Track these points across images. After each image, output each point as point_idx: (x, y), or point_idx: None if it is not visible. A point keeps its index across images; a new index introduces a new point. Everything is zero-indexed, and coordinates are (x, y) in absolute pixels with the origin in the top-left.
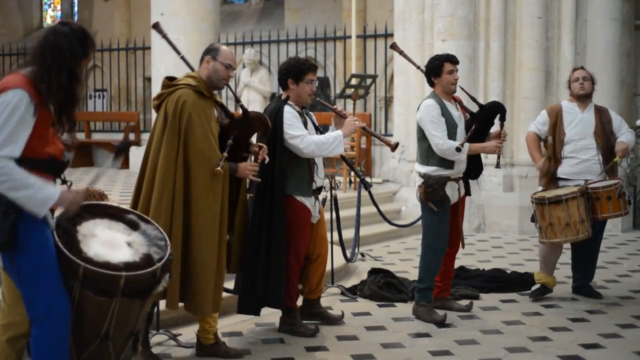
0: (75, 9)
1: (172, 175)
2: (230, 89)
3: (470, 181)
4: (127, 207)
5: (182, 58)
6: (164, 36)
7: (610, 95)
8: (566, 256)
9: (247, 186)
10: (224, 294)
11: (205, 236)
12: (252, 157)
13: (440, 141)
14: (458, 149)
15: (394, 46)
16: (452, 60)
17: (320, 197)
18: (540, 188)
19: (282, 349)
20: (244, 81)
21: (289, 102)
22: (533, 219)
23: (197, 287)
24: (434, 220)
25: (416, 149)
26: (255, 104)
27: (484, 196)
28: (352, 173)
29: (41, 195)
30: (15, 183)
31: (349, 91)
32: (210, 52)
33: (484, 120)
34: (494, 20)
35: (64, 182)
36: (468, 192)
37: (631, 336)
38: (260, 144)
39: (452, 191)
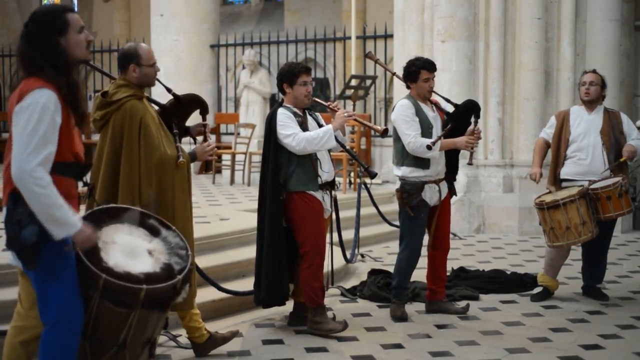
0: (75, 10)
1: (137, 188)
2: (160, 81)
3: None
4: None
5: (90, 65)
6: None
7: (609, 96)
8: (569, 258)
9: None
10: (225, 295)
11: (187, 234)
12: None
13: (411, 139)
14: (429, 147)
15: (369, 55)
16: (429, 68)
17: (333, 193)
18: (547, 190)
19: (282, 349)
20: (243, 82)
21: (284, 104)
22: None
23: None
24: (410, 225)
25: (393, 151)
26: (255, 104)
27: (484, 197)
28: (352, 174)
29: (65, 220)
30: (49, 200)
31: (349, 92)
32: (132, 59)
33: (459, 119)
34: (494, 21)
35: (85, 184)
36: (453, 193)
37: (631, 337)
38: (202, 122)
39: (432, 194)
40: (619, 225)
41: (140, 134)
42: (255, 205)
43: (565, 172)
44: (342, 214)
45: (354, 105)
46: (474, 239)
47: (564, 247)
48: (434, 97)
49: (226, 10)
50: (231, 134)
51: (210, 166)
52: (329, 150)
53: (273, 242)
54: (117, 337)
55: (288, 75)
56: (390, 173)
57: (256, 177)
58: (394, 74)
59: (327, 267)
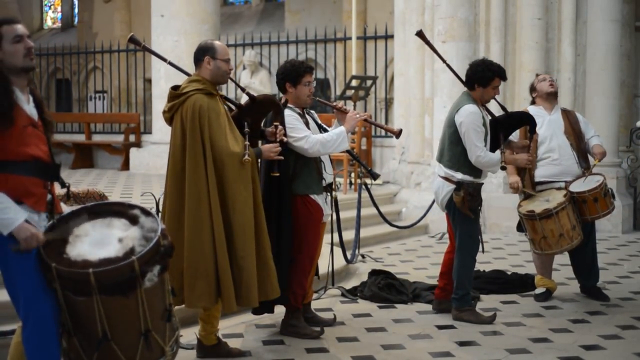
0: (76, 10)
1: (204, 181)
2: (233, 80)
3: None
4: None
5: (170, 63)
6: (144, 47)
7: (610, 96)
8: (566, 257)
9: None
10: None
11: (247, 229)
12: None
13: (481, 153)
14: (503, 168)
15: (420, 34)
16: (503, 77)
17: (334, 194)
18: (522, 196)
19: (282, 350)
20: (244, 82)
21: (288, 105)
22: (520, 229)
23: (244, 279)
24: (471, 226)
25: (445, 152)
26: None
27: (484, 198)
28: (353, 174)
29: (2, 216)
30: None
31: (349, 93)
32: (208, 51)
33: (509, 129)
34: (494, 21)
35: (62, 184)
36: None
37: (631, 337)
38: (275, 123)
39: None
40: (619, 226)
41: (204, 127)
42: None
43: (540, 174)
44: (342, 215)
45: (355, 105)
46: None
47: (557, 254)
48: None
49: (227, 11)
50: None
51: (275, 168)
52: None
53: (286, 243)
54: (96, 329)
55: (292, 75)
56: (390, 173)
57: None
58: (445, 62)
59: (327, 267)
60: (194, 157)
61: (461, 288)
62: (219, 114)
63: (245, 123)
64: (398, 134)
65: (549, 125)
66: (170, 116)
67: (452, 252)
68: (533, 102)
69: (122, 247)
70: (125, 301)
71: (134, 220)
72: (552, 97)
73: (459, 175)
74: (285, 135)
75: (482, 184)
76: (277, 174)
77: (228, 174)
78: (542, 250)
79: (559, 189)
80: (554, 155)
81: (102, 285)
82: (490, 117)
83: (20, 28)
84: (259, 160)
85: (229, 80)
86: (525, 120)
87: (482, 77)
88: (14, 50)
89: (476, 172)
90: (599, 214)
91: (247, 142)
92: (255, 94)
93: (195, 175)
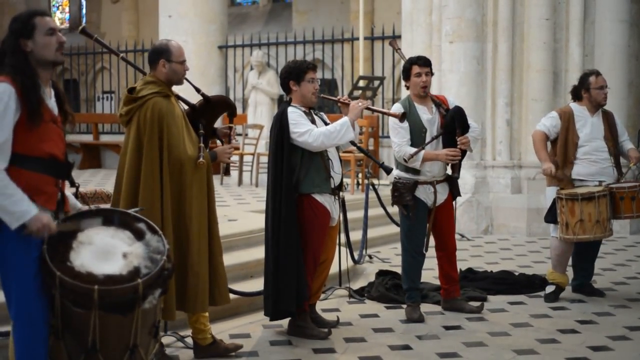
0: (84, 11)
1: (158, 187)
2: (189, 81)
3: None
4: None
5: (123, 59)
6: (96, 39)
7: (618, 97)
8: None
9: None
10: (233, 296)
11: (201, 235)
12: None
13: (396, 148)
14: (405, 160)
15: (392, 43)
16: (419, 63)
17: (341, 194)
18: (554, 188)
19: (289, 350)
20: (251, 83)
21: (292, 103)
22: (549, 219)
23: (199, 285)
24: (405, 223)
25: None
26: (263, 105)
27: (492, 198)
28: (360, 175)
29: (16, 209)
30: None
31: (357, 93)
32: (163, 54)
33: (448, 127)
34: (502, 21)
35: (72, 184)
36: (456, 194)
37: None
38: (229, 124)
39: (427, 194)
40: (627, 227)
41: (163, 132)
42: (263, 206)
43: (577, 171)
44: (350, 215)
45: None
46: (482, 240)
47: (590, 240)
48: (442, 95)
49: (234, 11)
50: (239, 134)
51: (228, 170)
52: (337, 150)
53: (290, 245)
54: (86, 340)
55: (295, 72)
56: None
57: (264, 178)
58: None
59: (335, 268)
60: (150, 163)
61: (403, 281)
62: (176, 118)
63: (200, 124)
64: (401, 117)
65: (589, 127)
66: (127, 120)
67: (439, 250)
68: (576, 98)
69: (126, 265)
70: (122, 319)
71: (139, 235)
72: (600, 106)
73: (396, 172)
74: (236, 135)
75: (415, 181)
76: (229, 175)
77: (186, 178)
78: (574, 235)
79: (596, 186)
80: (592, 157)
81: (103, 302)
82: (433, 115)
83: (53, 21)
84: (268, 159)
85: (185, 81)
86: (455, 115)
87: (403, 71)
88: (47, 42)
89: (412, 168)
90: (632, 214)
91: (201, 144)
92: (262, 91)
93: (149, 181)
